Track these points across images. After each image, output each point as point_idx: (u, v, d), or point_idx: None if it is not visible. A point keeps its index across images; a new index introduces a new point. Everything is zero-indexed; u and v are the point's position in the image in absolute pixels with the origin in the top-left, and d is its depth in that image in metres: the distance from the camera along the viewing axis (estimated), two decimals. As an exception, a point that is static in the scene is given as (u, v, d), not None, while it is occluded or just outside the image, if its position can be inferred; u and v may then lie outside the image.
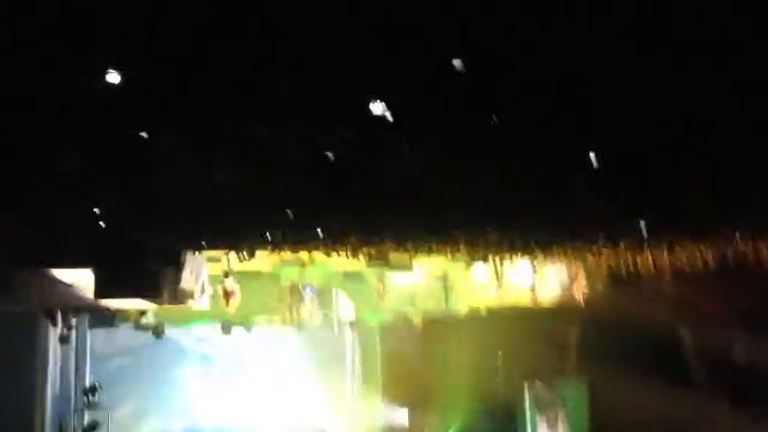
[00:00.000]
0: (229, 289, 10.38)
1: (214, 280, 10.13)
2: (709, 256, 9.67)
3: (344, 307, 12.07)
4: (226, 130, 5.25)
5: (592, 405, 13.57)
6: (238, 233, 8.05)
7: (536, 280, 12.28)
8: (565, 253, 9.14)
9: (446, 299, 12.50)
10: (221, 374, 13.21)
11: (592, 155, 5.15)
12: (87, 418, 11.95)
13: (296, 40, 4.14)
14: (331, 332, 12.78)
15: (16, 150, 5.36)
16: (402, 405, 13.79)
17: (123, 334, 12.50)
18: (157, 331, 12.19)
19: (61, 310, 10.94)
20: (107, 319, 11.71)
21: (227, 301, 10.44)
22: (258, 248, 8.81)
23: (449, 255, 9.36)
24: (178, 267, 8.98)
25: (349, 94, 4.67)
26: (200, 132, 5.28)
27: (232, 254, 9.42)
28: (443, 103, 4.75)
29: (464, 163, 5.72)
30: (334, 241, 8.53)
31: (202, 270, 9.57)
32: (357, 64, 4.35)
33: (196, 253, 9.05)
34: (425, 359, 14.03)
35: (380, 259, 9.74)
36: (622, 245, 8.63)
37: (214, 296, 10.18)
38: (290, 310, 11.70)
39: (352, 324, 13.36)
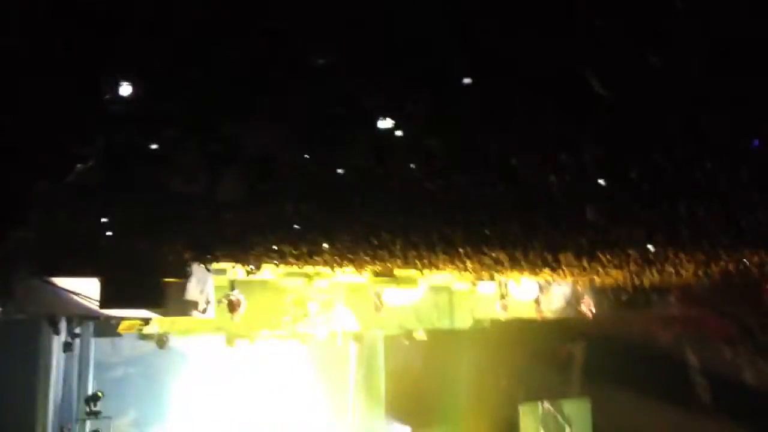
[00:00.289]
0: (234, 300, 10.37)
1: (220, 291, 10.12)
2: (716, 276, 9.65)
3: (348, 320, 12.04)
4: (234, 142, 5.25)
5: (596, 424, 13.49)
6: (245, 245, 8.05)
7: (542, 297, 12.26)
8: (573, 273, 9.12)
9: (451, 314, 12.47)
10: (224, 385, 13.17)
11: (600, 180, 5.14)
12: (88, 427, 11.92)
13: (301, 52, 4.14)
14: (335, 346, 12.74)
15: (22, 158, 5.36)
16: (404, 421, 13.72)
17: (127, 343, 12.50)
18: (161, 342, 12.18)
19: (65, 319, 10.93)
20: (111, 328, 11.71)
21: (232, 312, 10.42)
22: (264, 261, 8.81)
23: (456, 272, 9.35)
24: (184, 278, 8.99)
25: (358, 107, 4.66)
26: (207, 144, 5.28)
27: (238, 266, 9.42)
28: (452, 119, 4.75)
29: (472, 180, 5.71)
30: (340, 256, 8.53)
31: (208, 281, 9.56)
32: (366, 77, 4.35)
33: (203, 264, 9.06)
34: (428, 374, 13.98)
35: (386, 275, 9.73)
36: (629, 265, 8.62)
37: (219, 307, 10.17)
38: (295, 322, 11.68)
39: (356, 338, 13.33)
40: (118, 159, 5.36)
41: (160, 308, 9.01)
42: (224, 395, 13.11)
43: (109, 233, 7.11)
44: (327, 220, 6.93)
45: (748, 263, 8.75)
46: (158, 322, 10.86)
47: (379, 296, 11.39)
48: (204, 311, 9.57)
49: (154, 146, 5.19)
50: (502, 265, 8.53)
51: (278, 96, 4.57)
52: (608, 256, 8.07)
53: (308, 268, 9.65)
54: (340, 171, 5.60)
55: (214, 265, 9.22)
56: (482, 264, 8.47)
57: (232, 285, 10.32)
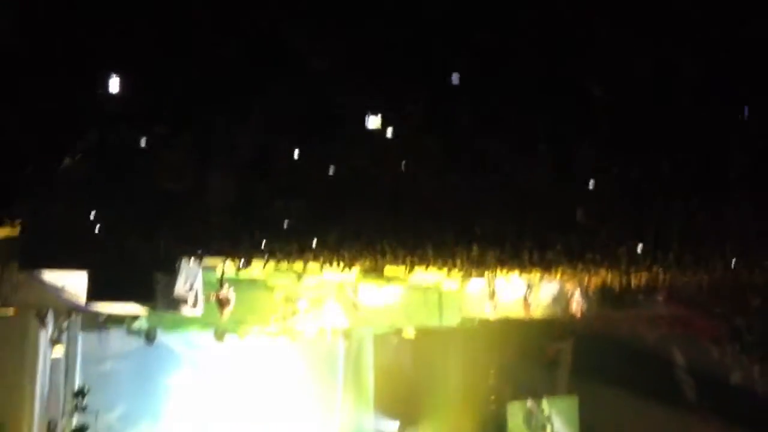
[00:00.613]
0: (223, 296, 10.34)
1: (209, 287, 10.08)
2: (703, 277, 9.70)
3: (337, 318, 12.04)
4: (225, 139, 5.25)
5: (582, 422, 13.54)
6: (235, 242, 8.04)
7: (530, 296, 12.27)
8: (562, 272, 9.15)
9: (440, 312, 12.47)
10: (212, 381, 13.14)
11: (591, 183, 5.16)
12: (75, 421, 11.85)
13: (297, 52, 4.14)
14: (324, 343, 12.73)
15: (13, 152, 5.34)
16: (393, 417, 13.74)
17: (115, 338, 12.43)
18: (149, 337, 12.14)
19: (52, 313, 10.87)
20: (99, 322, 11.66)
21: (221, 308, 10.39)
22: (254, 257, 8.80)
23: (445, 270, 9.36)
24: (173, 273, 8.96)
25: (349, 107, 4.66)
26: (198, 140, 5.27)
27: (228, 262, 9.40)
28: (446, 119, 4.76)
29: (464, 180, 5.72)
30: (329, 253, 8.53)
31: (197, 277, 9.53)
32: (359, 78, 4.35)
33: (192, 260, 9.03)
34: (417, 372, 13.99)
35: (375, 272, 9.74)
36: (618, 264, 8.65)
37: (208, 303, 10.13)
38: (284, 319, 11.66)
39: (345, 335, 13.32)
40: (107, 151, 5.34)
41: (149, 302, 8.98)
42: (213, 391, 13.07)
43: (97, 226, 7.08)
44: (317, 218, 6.93)
45: (735, 263, 8.80)
46: (146, 317, 10.83)
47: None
48: (193, 306, 9.55)
49: (143, 141, 5.18)
50: (491, 263, 8.55)
51: (269, 93, 4.57)
52: (597, 256, 8.10)
53: (298, 266, 9.64)
54: (330, 168, 5.60)
55: (204, 262, 9.21)
56: (471, 262, 8.48)
57: (222, 281, 10.29)
